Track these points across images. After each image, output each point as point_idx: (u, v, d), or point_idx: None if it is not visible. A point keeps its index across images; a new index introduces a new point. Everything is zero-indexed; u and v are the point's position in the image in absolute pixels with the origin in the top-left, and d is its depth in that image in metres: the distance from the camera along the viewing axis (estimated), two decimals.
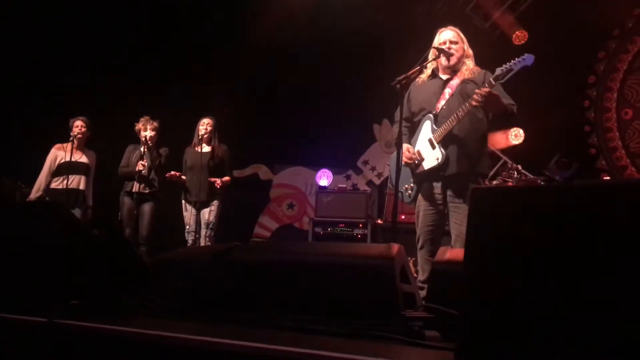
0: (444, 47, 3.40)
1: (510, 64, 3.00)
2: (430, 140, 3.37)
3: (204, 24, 7.08)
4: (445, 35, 3.45)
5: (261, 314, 1.71)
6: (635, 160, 6.43)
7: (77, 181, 5.49)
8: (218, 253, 2.08)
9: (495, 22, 6.80)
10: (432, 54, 3.43)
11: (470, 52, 3.46)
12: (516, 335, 1.10)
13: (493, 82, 3.04)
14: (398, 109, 3.38)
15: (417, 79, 3.52)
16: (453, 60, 3.39)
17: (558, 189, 1.23)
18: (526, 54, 2.98)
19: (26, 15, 6.59)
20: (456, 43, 3.42)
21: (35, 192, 5.51)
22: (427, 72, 3.49)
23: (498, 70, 3.07)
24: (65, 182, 5.40)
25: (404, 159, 3.40)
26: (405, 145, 3.44)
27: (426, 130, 3.43)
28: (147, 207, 5.46)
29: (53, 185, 5.47)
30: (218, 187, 5.39)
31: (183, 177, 5.53)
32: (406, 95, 3.57)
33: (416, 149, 3.47)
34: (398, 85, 3.20)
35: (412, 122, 3.59)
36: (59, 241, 1.99)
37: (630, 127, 6.51)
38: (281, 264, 1.98)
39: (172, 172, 5.44)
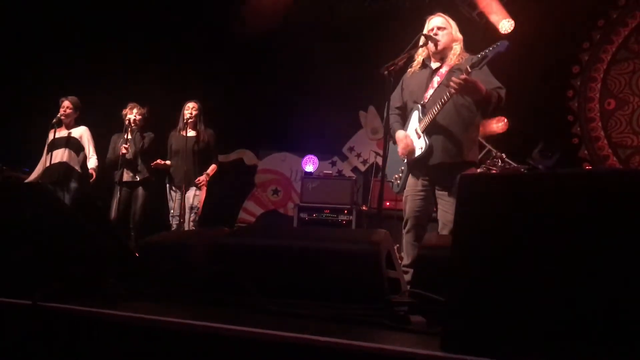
0: (431, 34, 3.40)
1: (485, 51, 3.04)
2: (416, 130, 3.39)
3: (189, 7, 6.99)
4: (434, 22, 3.46)
5: (246, 298, 1.71)
6: (617, 150, 6.51)
7: (60, 155, 5.37)
8: (204, 237, 2.08)
9: (482, 11, 6.81)
10: (422, 40, 3.43)
11: (459, 36, 3.46)
12: (502, 321, 1.11)
13: (469, 69, 3.06)
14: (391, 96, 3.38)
15: (408, 70, 3.54)
16: (440, 46, 3.40)
17: (544, 176, 1.24)
18: (500, 41, 3.01)
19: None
20: (444, 29, 3.42)
21: (30, 178, 5.46)
22: (418, 60, 3.50)
23: (474, 58, 3.10)
24: (49, 160, 5.32)
25: (400, 151, 3.41)
26: (402, 133, 3.45)
27: (414, 120, 3.45)
28: (139, 194, 5.43)
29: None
30: (202, 183, 5.37)
31: (167, 162, 5.49)
32: (399, 86, 3.58)
33: None
34: (386, 72, 3.20)
35: (404, 111, 3.60)
36: (42, 222, 1.97)
37: (612, 117, 6.58)
38: (267, 249, 1.98)
39: (158, 161, 5.40)
